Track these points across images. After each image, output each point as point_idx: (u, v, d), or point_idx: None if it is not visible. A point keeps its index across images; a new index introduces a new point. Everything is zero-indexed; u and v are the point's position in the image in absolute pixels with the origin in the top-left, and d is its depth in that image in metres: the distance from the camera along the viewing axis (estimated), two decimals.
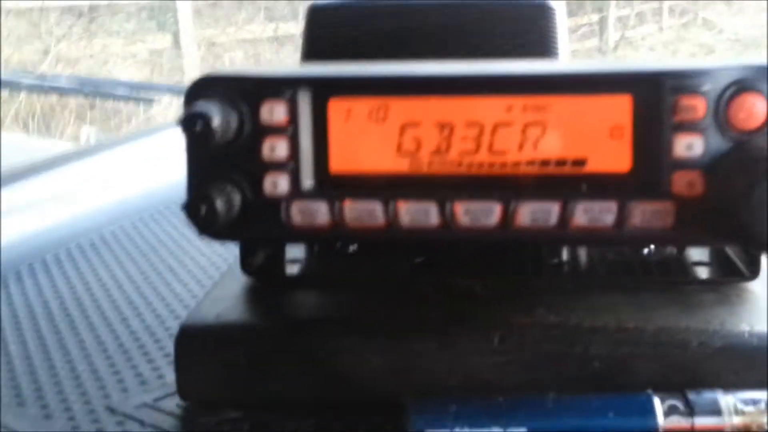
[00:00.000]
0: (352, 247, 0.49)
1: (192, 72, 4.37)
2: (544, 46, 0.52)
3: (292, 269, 0.48)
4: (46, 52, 4.28)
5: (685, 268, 0.46)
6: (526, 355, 0.39)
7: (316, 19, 0.55)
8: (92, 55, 4.36)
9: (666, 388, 0.37)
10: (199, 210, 0.39)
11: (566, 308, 0.41)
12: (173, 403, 0.43)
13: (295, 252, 0.49)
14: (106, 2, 4.66)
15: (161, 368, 0.47)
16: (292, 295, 0.46)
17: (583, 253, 0.47)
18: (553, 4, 0.54)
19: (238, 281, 0.46)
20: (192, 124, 0.38)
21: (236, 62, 4.79)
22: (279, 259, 0.48)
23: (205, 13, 5.03)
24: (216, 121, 0.39)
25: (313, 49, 0.55)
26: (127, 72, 4.23)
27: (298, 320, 0.43)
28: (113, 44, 4.45)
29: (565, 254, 0.46)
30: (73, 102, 3.74)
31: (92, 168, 0.93)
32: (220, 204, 0.39)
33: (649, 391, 0.37)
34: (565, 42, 0.53)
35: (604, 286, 0.44)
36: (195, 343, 0.42)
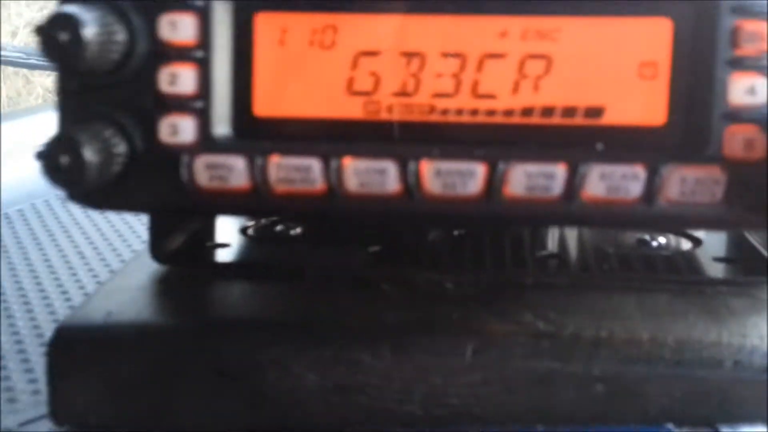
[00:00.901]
0: (296, 231, 0.42)
1: None
2: None
3: (221, 255, 0.41)
4: (14, 35, 4.35)
5: (699, 263, 0.40)
6: (508, 374, 0.33)
7: None
8: None
9: (691, 422, 0.32)
10: (59, 161, 0.30)
11: (559, 312, 0.35)
12: (45, 429, 0.36)
13: (226, 235, 0.42)
14: None
15: (39, 380, 0.40)
16: (211, 289, 0.38)
17: (573, 243, 0.41)
18: None
19: (145, 269, 0.39)
20: (53, 32, 0.30)
21: None
22: (202, 242, 0.41)
23: None
24: (89, 32, 0.31)
25: None
26: None
27: (213, 321, 0.36)
28: None
29: (553, 244, 0.41)
30: (39, 87, 3.74)
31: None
32: (90, 154, 0.31)
33: (669, 426, 0.32)
34: None
35: (604, 285, 0.38)
36: (74, 350, 0.35)
